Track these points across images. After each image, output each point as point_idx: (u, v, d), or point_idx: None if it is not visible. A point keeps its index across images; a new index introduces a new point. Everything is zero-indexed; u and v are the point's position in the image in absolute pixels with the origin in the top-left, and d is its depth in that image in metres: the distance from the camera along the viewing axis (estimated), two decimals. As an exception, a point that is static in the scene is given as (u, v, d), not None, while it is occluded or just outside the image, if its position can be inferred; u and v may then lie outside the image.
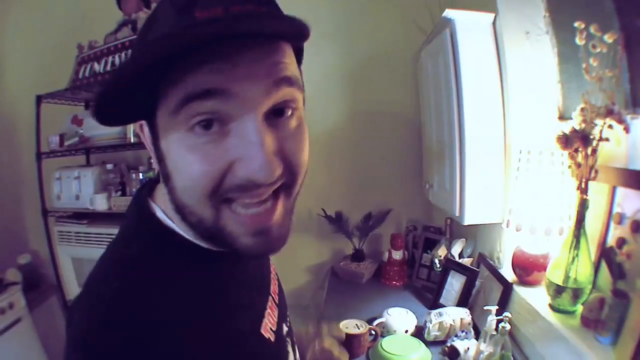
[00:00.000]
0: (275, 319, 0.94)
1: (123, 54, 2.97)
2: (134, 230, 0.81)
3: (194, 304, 0.72)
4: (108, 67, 3.03)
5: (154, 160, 0.74)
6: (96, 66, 3.10)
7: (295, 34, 0.68)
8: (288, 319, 1.07)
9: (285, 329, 1.00)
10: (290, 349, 0.99)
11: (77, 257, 3.20)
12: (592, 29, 1.37)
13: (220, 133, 0.64)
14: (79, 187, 3.15)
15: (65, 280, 3.29)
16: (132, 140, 2.97)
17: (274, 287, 1.03)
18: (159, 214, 0.79)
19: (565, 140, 1.51)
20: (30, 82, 3.48)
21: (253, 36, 0.62)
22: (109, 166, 3.22)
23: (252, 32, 0.61)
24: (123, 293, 0.68)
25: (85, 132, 3.16)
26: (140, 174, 3.06)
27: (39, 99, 3.18)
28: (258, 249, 0.71)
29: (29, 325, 3.17)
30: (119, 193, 3.12)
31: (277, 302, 1.00)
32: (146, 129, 0.74)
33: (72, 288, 3.28)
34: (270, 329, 0.90)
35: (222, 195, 0.67)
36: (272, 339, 0.89)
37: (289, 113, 0.69)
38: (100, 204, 3.05)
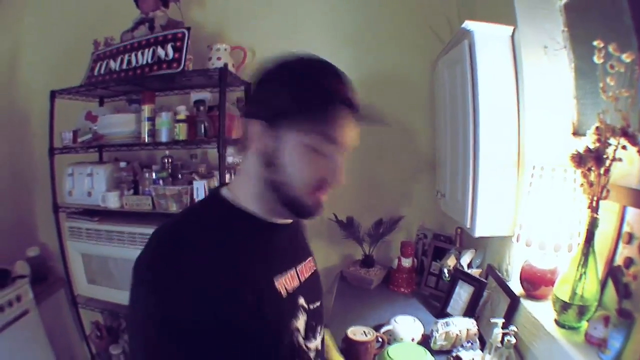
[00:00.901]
0: (292, 286, 1.23)
1: (140, 53, 3.00)
2: (203, 201, 1.35)
3: (229, 250, 1.08)
4: (124, 66, 3.05)
5: (259, 150, 1.13)
6: (112, 64, 3.12)
7: None
8: (314, 304, 1.33)
9: (302, 301, 1.26)
10: (302, 317, 1.25)
11: (86, 254, 3.23)
12: (610, 49, 1.39)
13: (328, 157, 1.12)
14: (91, 184, 3.15)
15: (74, 275, 3.31)
16: (146, 140, 2.99)
17: (303, 269, 1.35)
18: (227, 194, 1.20)
19: (579, 159, 1.54)
20: (45, 78, 3.48)
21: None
22: (122, 164, 3.23)
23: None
24: (175, 233, 1.10)
25: (99, 129, 3.16)
26: (154, 173, 3.05)
27: (53, 95, 3.18)
28: (313, 212, 1.17)
29: (36, 318, 3.19)
30: (131, 191, 3.12)
31: (300, 279, 1.29)
32: (263, 128, 1.11)
33: (81, 283, 3.30)
34: (285, 287, 1.20)
35: (315, 188, 1.14)
36: (284, 295, 1.18)
37: None
38: (113, 201, 3.06)
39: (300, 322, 1.24)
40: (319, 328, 1.35)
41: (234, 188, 1.22)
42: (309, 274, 1.38)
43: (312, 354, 1.30)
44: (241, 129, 1.24)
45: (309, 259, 1.43)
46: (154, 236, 1.10)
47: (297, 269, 1.30)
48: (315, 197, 1.17)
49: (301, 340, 1.24)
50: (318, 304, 1.37)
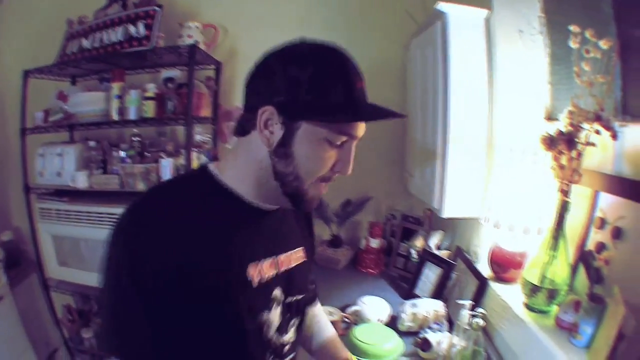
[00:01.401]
0: (267, 276, 1.16)
1: (112, 31, 2.92)
2: (190, 174, 1.25)
3: (207, 223, 1.05)
4: (96, 44, 2.97)
5: (267, 140, 1.05)
6: (84, 42, 3.03)
7: None
8: (294, 297, 1.27)
9: (279, 294, 1.21)
10: (276, 311, 1.19)
11: (57, 235, 3.15)
12: (587, 34, 1.36)
13: (339, 146, 1.07)
14: (61, 164, 3.07)
15: (46, 258, 3.23)
16: (115, 118, 2.92)
17: (285, 260, 1.25)
18: (214, 171, 1.14)
19: (550, 142, 1.50)
20: (20, 58, 3.35)
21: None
22: (92, 143, 3.14)
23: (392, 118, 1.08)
24: (154, 197, 1.10)
25: (70, 108, 3.08)
26: (122, 152, 2.99)
27: (26, 74, 3.08)
28: (313, 204, 1.14)
29: (10, 304, 3.09)
30: (100, 171, 3.06)
31: (279, 269, 1.21)
32: (274, 115, 1.03)
33: (52, 265, 3.23)
34: (259, 276, 1.14)
35: (320, 178, 1.09)
36: (254, 284, 1.12)
37: None
38: (81, 181, 2.99)
39: (274, 315, 1.19)
40: (294, 321, 1.29)
41: (223, 167, 1.16)
42: (295, 264, 1.29)
43: (286, 347, 1.26)
44: (241, 110, 1.14)
45: (298, 249, 1.33)
46: (134, 201, 1.06)
47: (278, 259, 1.23)
48: (318, 188, 1.12)
49: (272, 333, 1.19)
50: (300, 297, 1.30)
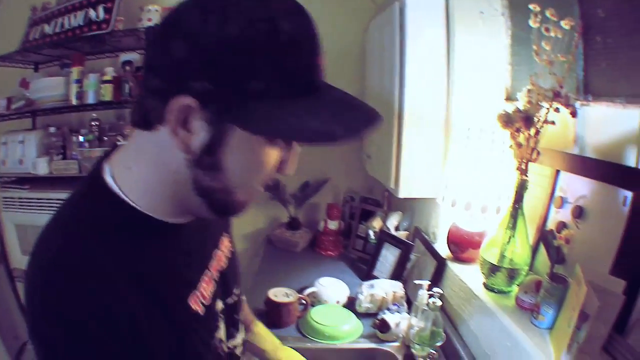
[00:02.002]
0: (209, 294, 0.94)
1: (72, 16, 2.85)
2: (86, 200, 0.83)
3: (129, 263, 0.75)
4: (58, 29, 2.90)
5: (185, 145, 0.74)
6: (46, 27, 2.96)
7: None
8: (232, 296, 1.09)
9: (220, 305, 1.01)
10: (221, 324, 1.00)
11: (20, 224, 3.08)
12: (547, 13, 1.30)
13: (284, 149, 0.83)
14: (23, 151, 3.03)
15: (10, 248, 3.15)
16: (73, 102, 2.88)
17: (217, 264, 1.04)
18: (114, 187, 0.80)
19: (507, 119, 1.44)
20: None
21: None
22: (52, 129, 3.10)
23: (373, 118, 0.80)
24: (65, 247, 0.74)
25: (31, 94, 3.04)
26: (81, 137, 2.96)
27: (-12, 62, 3.01)
28: (246, 207, 0.86)
29: None
30: (60, 157, 3.01)
31: (215, 278, 1.00)
32: (194, 109, 0.70)
33: (16, 256, 3.15)
34: (201, 302, 0.90)
35: (260, 182, 0.84)
36: (201, 312, 0.89)
37: None
38: (42, 167, 2.95)
39: (221, 331, 1.00)
40: (240, 315, 1.16)
41: (120, 174, 0.81)
42: (225, 261, 1.09)
43: (238, 349, 1.13)
44: (143, 95, 0.78)
45: (222, 239, 1.12)
46: (40, 271, 0.75)
47: (211, 268, 1.00)
48: (253, 193, 0.85)
49: (224, 346, 1.04)
50: (236, 291, 1.13)
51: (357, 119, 0.78)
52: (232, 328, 1.08)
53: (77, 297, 0.69)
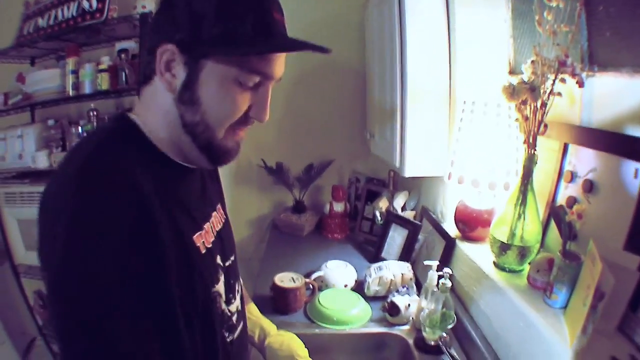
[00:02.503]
0: (210, 241, 1.05)
1: (65, 7, 2.81)
2: (114, 134, 0.95)
3: (152, 183, 0.86)
4: (51, 21, 2.86)
5: (169, 84, 0.91)
6: (40, 21, 2.93)
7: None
8: (229, 260, 1.17)
9: (219, 260, 1.09)
10: (222, 278, 1.09)
11: (22, 219, 3.06)
12: (547, -19, 1.26)
13: (252, 89, 0.94)
14: (22, 146, 3.01)
15: (13, 243, 3.13)
16: (70, 94, 2.87)
17: (215, 222, 1.15)
18: (141, 125, 0.96)
19: (512, 91, 1.40)
20: None
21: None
22: (51, 122, 3.09)
23: (321, 49, 0.93)
24: (96, 156, 0.85)
25: (27, 88, 3.03)
26: (80, 128, 2.95)
27: (-16, 59, 2.99)
28: (233, 153, 1.00)
29: None
30: (60, 149, 2.99)
31: (214, 232, 1.10)
32: (174, 54, 0.88)
33: (20, 251, 3.13)
34: (204, 242, 1.02)
35: (235, 124, 0.96)
36: (202, 251, 1.00)
37: None
38: (42, 161, 2.93)
39: (220, 285, 1.07)
40: (237, 286, 1.20)
41: (144, 121, 0.97)
42: (220, 225, 1.18)
43: (234, 317, 1.15)
44: (145, 54, 0.94)
45: (218, 207, 1.22)
46: (63, 176, 0.84)
47: (212, 221, 1.12)
48: (234, 137, 0.98)
49: (224, 305, 1.08)
50: (232, 258, 1.20)
51: (298, 43, 0.93)
52: (230, 293, 1.13)
53: (106, 202, 0.78)
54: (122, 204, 0.78)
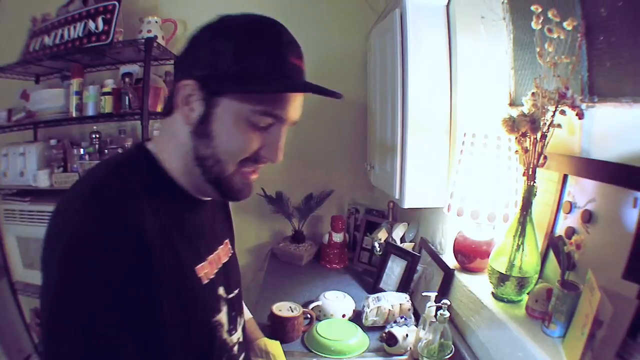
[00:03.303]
0: (213, 273, 1.07)
1: (72, 27, 2.84)
2: (129, 160, 1.02)
3: (156, 216, 0.90)
4: (57, 40, 2.89)
5: (187, 117, 0.95)
6: (46, 39, 2.96)
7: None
8: (233, 293, 1.19)
9: (222, 291, 1.11)
10: (224, 309, 1.10)
11: (22, 237, 3.05)
12: (549, 14, 1.29)
13: (264, 129, 0.96)
14: (24, 164, 3.01)
15: (12, 261, 3.12)
16: (73, 115, 2.87)
17: (222, 255, 1.18)
18: (156, 154, 1.01)
19: (512, 124, 1.42)
20: None
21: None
22: (52, 142, 3.07)
23: (333, 94, 0.98)
24: (105, 184, 0.90)
25: (31, 106, 3.03)
26: (82, 149, 2.94)
27: (-12, 73, 3.00)
28: (242, 193, 1.02)
29: None
30: (61, 169, 2.99)
31: (219, 265, 1.13)
32: (194, 89, 0.93)
33: (18, 268, 3.12)
34: (206, 274, 1.04)
35: (243, 165, 0.98)
36: (204, 282, 1.02)
37: None
38: (43, 180, 2.93)
39: (223, 315, 1.09)
40: (239, 319, 1.21)
41: (161, 150, 1.02)
42: (227, 258, 1.20)
43: (235, 348, 1.16)
44: (169, 88, 0.98)
45: (225, 241, 1.25)
46: (70, 207, 0.87)
47: (217, 254, 1.14)
48: (244, 175, 1.01)
49: (225, 335, 1.10)
50: (237, 291, 1.22)
51: (312, 87, 0.95)
52: (231, 325, 1.14)
53: (102, 237, 0.80)
54: (119, 233, 0.81)
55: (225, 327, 1.10)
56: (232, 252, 1.27)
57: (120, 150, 2.87)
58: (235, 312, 1.17)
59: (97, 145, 2.99)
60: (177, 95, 0.95)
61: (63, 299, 0.77)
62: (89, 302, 0.77)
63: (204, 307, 1.02)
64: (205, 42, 0.92)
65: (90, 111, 2.85)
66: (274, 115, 0.95)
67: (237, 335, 1.17)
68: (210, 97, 0.92)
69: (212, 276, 1.06)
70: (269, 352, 1.49)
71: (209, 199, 1.09)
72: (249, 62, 0.89)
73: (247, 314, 1.55)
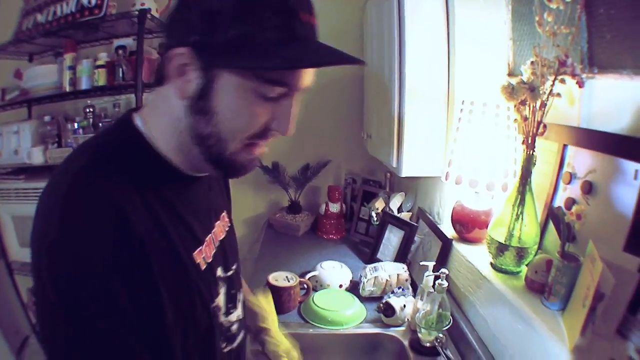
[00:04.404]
0: (210, 255, 1.01)
1: (65, 3, 2.79)
2: (114, 138, 0.92)
3: (146, 199, 0.83)
4: (50, 17, 2.85)
5: (182, 91, 0.84)
6: (39, 17, 2.91)
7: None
8: (230, 270, 1.13)
9: (220, 272, 1.06)
10: (222, 291, 1.06)
11: (17, 216, 3.04)
12: (547, -17, 1.26)
13: (274, 99, 0.85)
14: (18, 142, 2.99)
15: (7, 241, 3.11)
16: (67, 89, 2.84)
17: (218, 232, 1.10)
18: (143, 130, 0.91)
19: (511, 91, 1.39)
20: None
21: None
22: (47, 118, 3.06)
23: (354, 60, 0.86)
24: (88, 169, 0.82)
25: (24, 83, 3.01)
26: (76, 124, 2.94)
27: (-19, 54, 2.97)
28: (247, 169, 0.94)
29: None
30: (55, 145, 2.98)
31: (216, 243, 1.07)
32: (189, 58, 0.81)
33: (13, 247, 3.11)
34: (204, 258, 0.98)
35: (252, 137, 0.88)
36: (202, 267, 0.96)
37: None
38: (37, 157, 2.92)
39: (220, 298, 1.04)
40: (238, 295, 1.16)
41: (152, 125, 0.92)
42: (224, 234, 1.14)
43: (234, 327, 1.12)
44: (159, 58, 0.89)
45: (222, 215, 1.18)
46: (54, 195, 0.81)
47: (214, 233, 1.07)
48: (250, 152, 0.91)
49: (222, 318, 1.06)
50: (234, 267, 1.17)
51: (331, 54, 0.85)
52: (230, 303, 1.10)
53: (89, 228, 0.75)
54: (104, 233, 0.75)
55: (223, 309, 1.06)
56: (229, 224, 1.22)
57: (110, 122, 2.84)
58: (234, 289, 1.13)
59: (91, 120, 2.97)
60: (168, 65, 0.83)
61: (59, 303, 0.73)
62: (82, 305, 0.73)
63: (202, 294, 0.95)
64: (199, 0, 0.78)
65: (84, 85, 2.82)
66: (285, 83, 0.84)
67: (237, 314, 1.14)
68: (209, 67, 0.81)
69: (210, 259, 1.00)
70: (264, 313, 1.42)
71: (203, 175, 1.01)
72: (251, 24, 0.77)
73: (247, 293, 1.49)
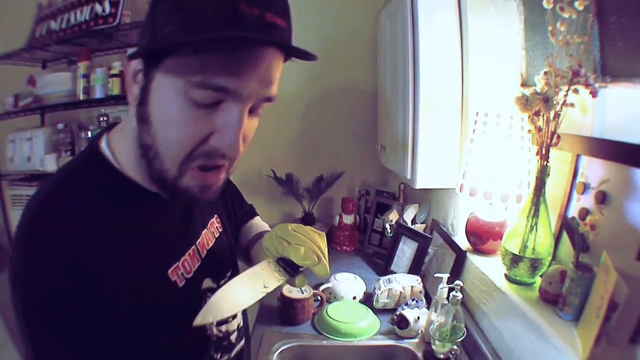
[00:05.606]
0: (193, 269, 0.98)
1: (79, 11, 2.84)
2: (80, 162, 0.91)
3: (108, 227, 0.81)
4: (64, 25, 2.89)
5: (132, 96, 0.80)
6: (53, 24, 2.96)
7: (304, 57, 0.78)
8: (225, 278, 1.11)
9: (209, 284, 1.03)
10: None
11: None
12: (561, -7, 1.27)
13: (212, 108, 0.75)
14: (31, 149, 3.03)
15: None
16: (80, 98, 2.88)
17: (204, 242, 1.07)
18: (106, 152, 0.88)
19: (525, 102, 1.40)
20: None
21: (270, 45, 0.76)
22: (60, 126, 3.09)
23: (280, 44, 0.76)
24: (47, 203, 0.81)
25: (38, 90, 3.04)
26: (89, 133, 2.97)
27: (-5, 60, 3.00)
28: (198, 198, 0.85)
29: None
30: (68, 153, 3.02)
31: (202, 255, 1.04)
32: (139, 66, 0.78)
33: None
34: (182, 274, 0.95)
35: (191, 160, 0.79)
36: (180, 284, 0.93)
37: (259, 112, 0.84)
38: (50, 164, 2.95)
39: None
40: None
41: (115, 143, 0.89)
42: (213, 241, 1.11)
43: (232, 336, 1.12)
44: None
45: (211, 220, 1.15)
46: (24, 213, 0.80)
47: (197, 244, 1.03)
48: (197, 175, 0.82)
49: (214, 330, 1.05)
50: (229, 273, 1.14)
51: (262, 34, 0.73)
52: None
53: (43, 254, 0.75)
54: (54, 275, 0.75)
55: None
56: (222, 227, 1.18)
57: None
58: None
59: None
60: (127, 75, 0.80)
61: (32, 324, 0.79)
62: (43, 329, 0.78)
63: (181, 310, 0.87)
64: (150, 5, 0.75)
65: (97, 94, 2.85)
66: (214, 86, 0.72)
67: (236, 322, 1.14)
68: (148, 69, 0.76)
69: (190, 275, 0.96)
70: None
71: None
72: (183, 18, 0.69)
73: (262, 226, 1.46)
